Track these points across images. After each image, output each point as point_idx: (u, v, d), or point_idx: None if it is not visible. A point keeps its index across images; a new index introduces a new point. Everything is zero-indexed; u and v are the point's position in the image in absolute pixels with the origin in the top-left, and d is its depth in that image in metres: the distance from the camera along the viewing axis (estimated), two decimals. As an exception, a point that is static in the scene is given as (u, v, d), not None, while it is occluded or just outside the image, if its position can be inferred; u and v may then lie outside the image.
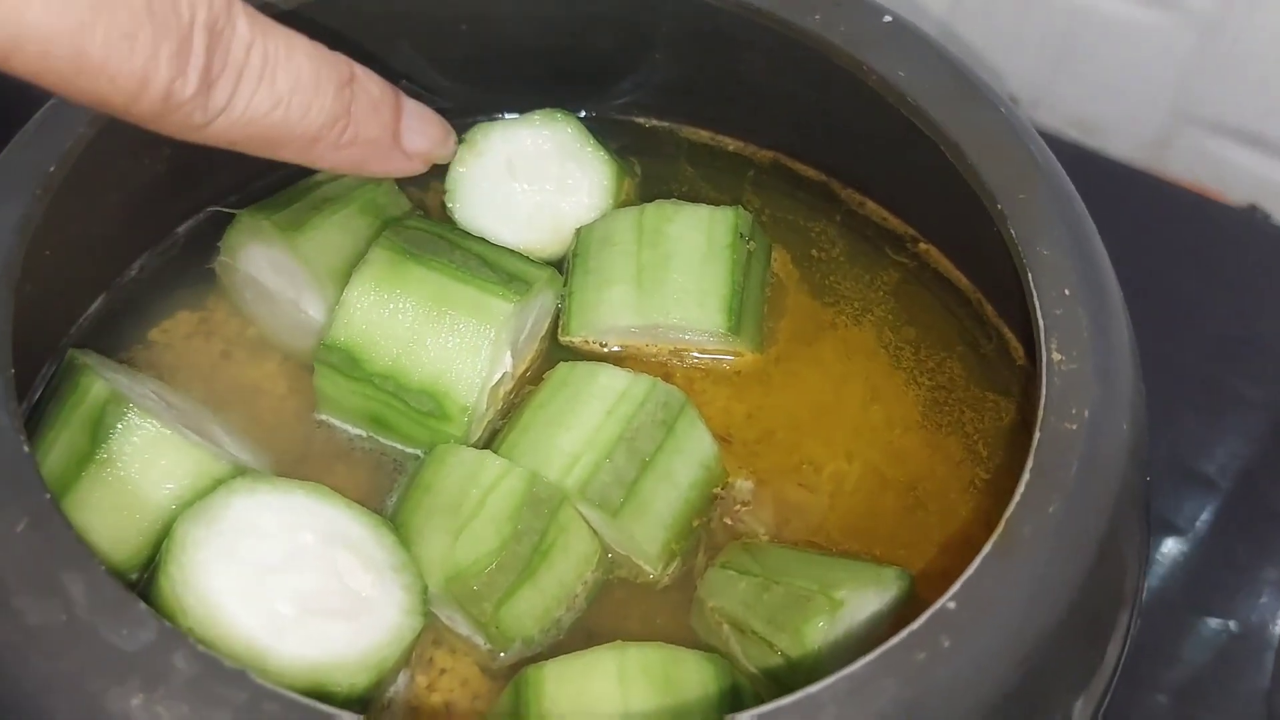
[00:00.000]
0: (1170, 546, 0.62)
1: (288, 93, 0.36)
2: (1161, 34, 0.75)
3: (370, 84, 0.40)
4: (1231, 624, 0.59)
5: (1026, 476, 0.36)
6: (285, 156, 0.38)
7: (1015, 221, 0.42)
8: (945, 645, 0.33)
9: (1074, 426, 0.37)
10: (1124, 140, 0.81)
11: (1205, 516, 0.64)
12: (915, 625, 0.34)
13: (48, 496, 0.35)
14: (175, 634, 0.33)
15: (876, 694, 0.32)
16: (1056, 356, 0.39)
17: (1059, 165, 0.45)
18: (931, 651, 0.33)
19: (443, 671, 0.45)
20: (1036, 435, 0.37)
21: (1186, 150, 0.80)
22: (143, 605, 0.33)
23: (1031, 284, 0.40)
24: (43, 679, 0.33)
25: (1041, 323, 0.40)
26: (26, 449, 0.36)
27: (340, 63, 0.38)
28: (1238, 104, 0.77)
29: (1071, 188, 0.44)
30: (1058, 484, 0.36)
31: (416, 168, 0.43)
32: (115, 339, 0.52)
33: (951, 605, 0.34)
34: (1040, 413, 0.38)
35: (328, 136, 0.37)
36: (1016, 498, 0.36)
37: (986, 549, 0.35)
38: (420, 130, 0.42)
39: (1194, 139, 0.79)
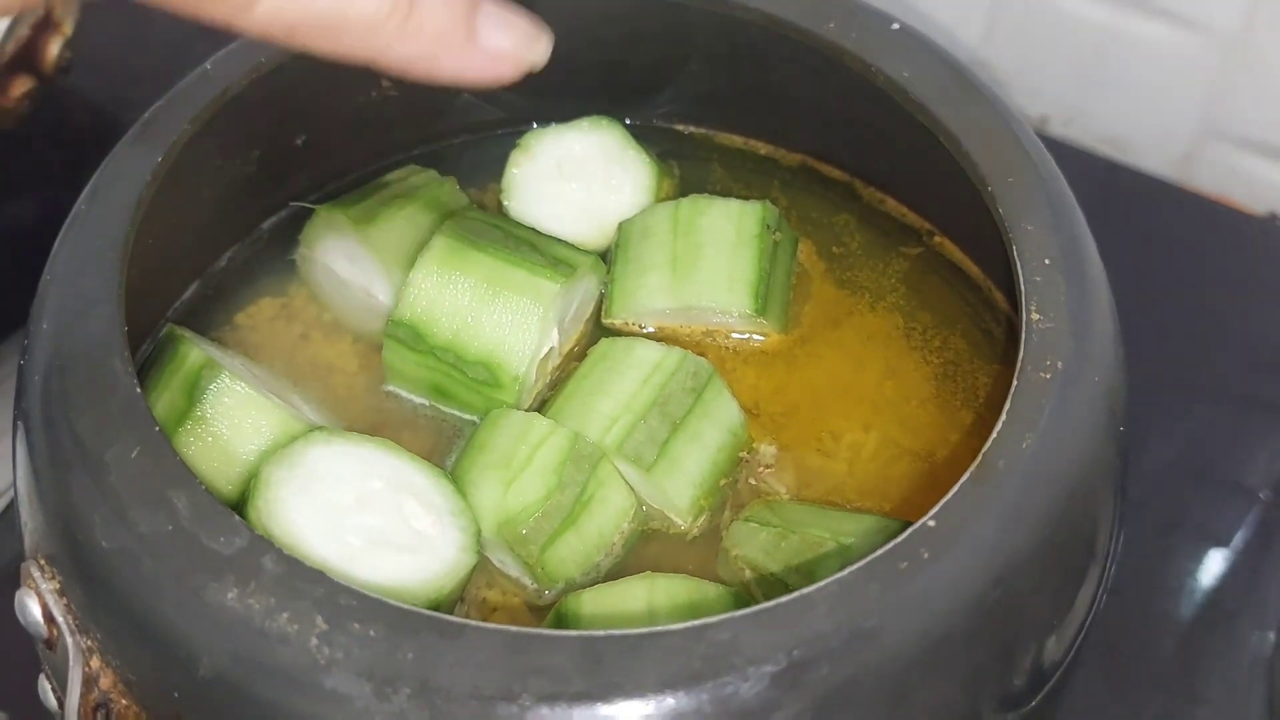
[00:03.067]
0: (1212, 557, 0.64)
1: None
2: (1188, 53, 0.78)
3: None
4: (1272, 635, 0.61)
5: (1003, 417, 0.41)
6: (348, 50, 0.35)
7: (1003, 201, 0.47)
8: (924, 556, 0.38)
9: (1047, 376, 0.42)
10: (1153, 155, 0.84)
11: (1245, 526, 0.66)
12: (899, 539, 0.38)
13: (157, 429, 0.41)
14: (264, 540, 0.39)
15: (863, 595, 0.37)
16: (1035, 316, 0.43)
17: (1046, 152, 0.50)
18: (912, 561, 0.38)
19: (494, 609, 0.50)
20: (1014, 383, 0.42)
21: (1212, 164, 0.83)
22: (237, 518, 0.39)
23: (1015, 255, 0.45)
24: (153, 578, 0.38)
25: (1024, 288, 0.44)
26: (138, 390, 0.42)
27: None
28: (1261, 119, 0.81)
29: (1056, 171, 0.49)
30: (1031, 424, 0.41)
31: (504, 70, 0.38)
32: (206, 321, 0.58)
33: (931, 523, 0.39)
34: (1019, 364, 0.42)
35: (388, 25, 0.34)
36: (994, 434, 0.41)
37: (964, 477, 0.40)
38: (503, 25, 0.37)
39: (1220, 153, 0.82)
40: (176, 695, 0.38)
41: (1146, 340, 0.67)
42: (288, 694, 0.37)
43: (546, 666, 0.36)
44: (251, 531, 0.39)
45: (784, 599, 0.37)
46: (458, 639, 0.37)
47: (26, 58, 0.72)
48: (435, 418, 0.55)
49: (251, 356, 0.57)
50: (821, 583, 0.37)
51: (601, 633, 0.37)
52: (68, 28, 0.72)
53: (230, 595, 0.38)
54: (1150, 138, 0.83)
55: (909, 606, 0.37)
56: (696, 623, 0.37)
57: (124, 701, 0.40)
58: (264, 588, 0.38)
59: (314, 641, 0.36)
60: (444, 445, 0.54)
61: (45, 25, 0.71)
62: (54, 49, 0.73)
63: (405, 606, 0.37)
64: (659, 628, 0.37)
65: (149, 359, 0.53)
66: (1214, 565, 0.63)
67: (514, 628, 0.37)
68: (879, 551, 0.38)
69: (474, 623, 0.37)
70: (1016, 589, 0.40)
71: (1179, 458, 0.69)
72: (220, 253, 0.60)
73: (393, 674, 0.36)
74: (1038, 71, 0.83)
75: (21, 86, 0.72)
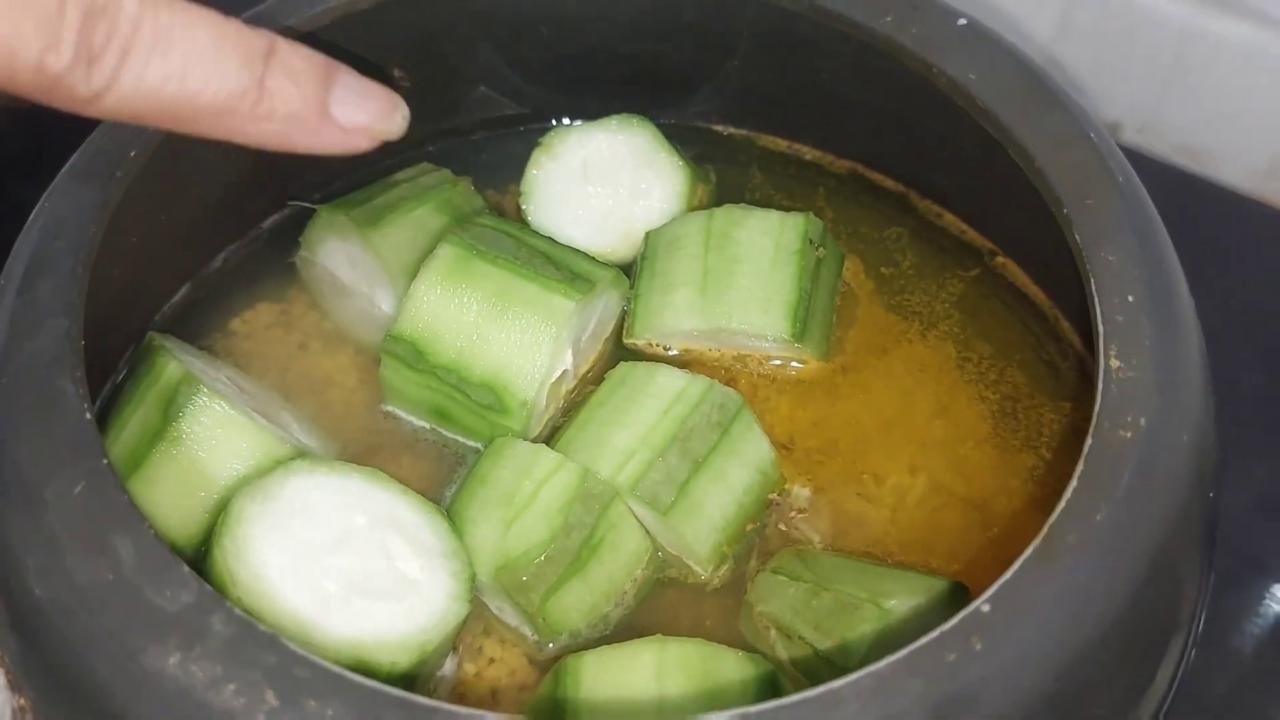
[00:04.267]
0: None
1: (182, 66, 0.35)
2: (1275, 55, 0.72)
3: (293, 57, 0.38)
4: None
5: (1074, 483, 0.35)
6: (202, 131, 0.37)
7: (1080, 226, 0.41)
8: (977, 648, 0.33)
9: (1128, 435, 0.36)
10: (1233, 167, 0.78)
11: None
12: (946, 625, 0.33)
13: (105, 461, 0.36)
14: (214, 597, 0.34)
15: (901, 693, 0.32)
16: (1115, 363, 0.38)
17: (1132, 171, 0.44)
18: (962, 653, 0.32)
19: (491, 661, 0.45)
20: (1088, 442, 0.36)
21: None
22: (186, 569, 0.34)
23: (1093, 289, 0.39)
24: (86, 635, 0.34)
25: (1101, 328, 0.39)
26: (89, 416, 0.37)
27: (255, 36, 0.37)
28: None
29: (1145, 195, 0.43)
30: (1107, 492, 0.35)
31: (358, 143, 0.40)
32: (198, 326, 0.54)
33: (986, 608, 0.33)
34: (1094, 419, 0.37)
35: (240, 110, 0.36)
36: (1062, 503, 0.35)
37: (1027, 553, 0.34)
38: (358, 104, 0.39)
39: (1311, 165, 0.76)
40: (109, 771, 0.34)
41: (1223, 370, 0.62)
42: (228, 782, 0.32)
43: (528, 765, 0.31)
44: (201, 585, 0.34)
45: (808, 694, 0.32)
46: (428, 724, 0.32)
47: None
48: (436, 443, 0.50)
49: (243, 367, 0.52)
50: (852, 677, 0.32)
51: (592, 727, 0.32)
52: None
53: (172, 660, 0.33)
54: (1231, 148, 0.78)
55: (955, 707, 0.32)
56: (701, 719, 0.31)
57: (55, 772, 0.35)
58: (210, 653, 0.33)
59: (261, 720, 0.32)
60: (444, 474, 0.50)
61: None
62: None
63: (369, 684, 0.32)
64: (660, 724, 0.32)
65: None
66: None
67: (492, 715, 0.32)
68: (923, 640, 0.33)
69: (447, 707, 0.32)
70: (1083, 682, 0.34)
71: (1261, 498, 0.63)
72: (215, 253, 0.56)
73: (350, 764, 0.31)
74: (1111, 74, 0.78)
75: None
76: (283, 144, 0.39)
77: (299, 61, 0.38)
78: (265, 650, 0.33)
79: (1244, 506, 0.62)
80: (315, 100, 0.38)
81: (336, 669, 0.33)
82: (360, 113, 0.40)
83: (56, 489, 0.36)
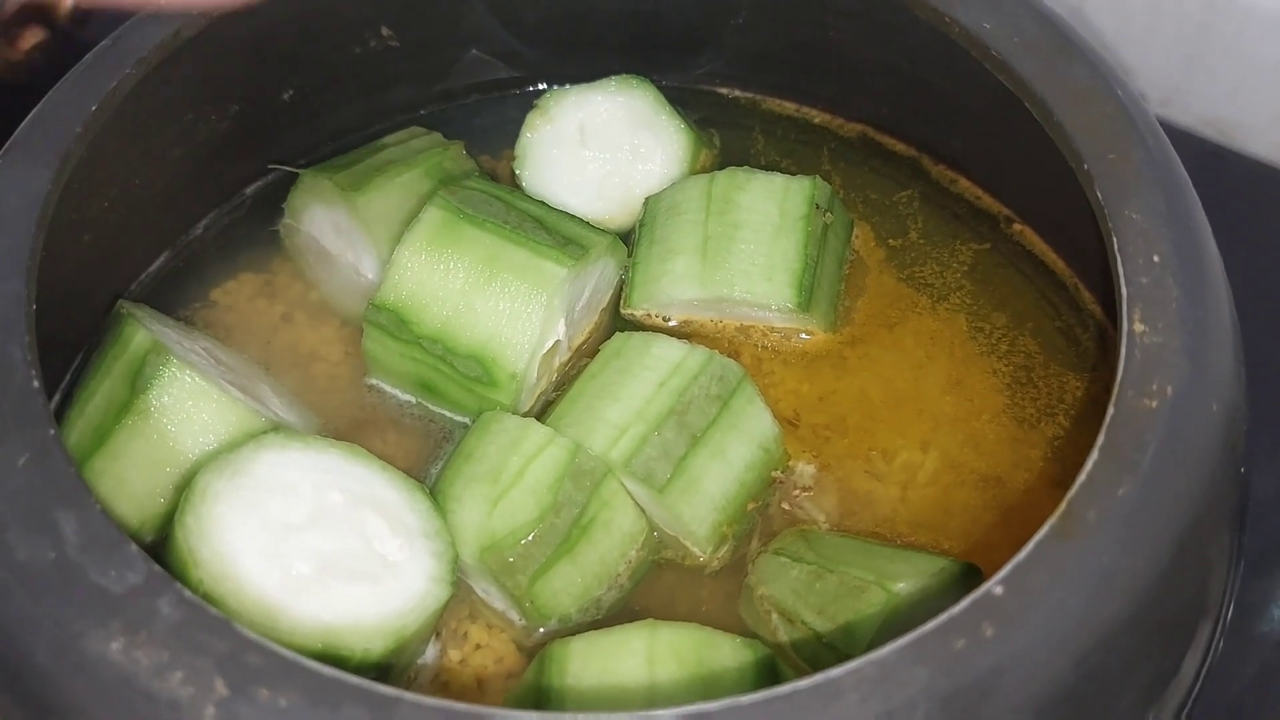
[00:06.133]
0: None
1: None
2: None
3: None
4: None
5: (1095, 455, 0.33)
6: None
7: (1102, 183, 0.38)
8: (988, 634, 0.30)
9: (1154, 404, 0.33)
10: (1262, 138, 0.76)
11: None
12: (955, 609, 0.30)
13: (51, 432, 0.34)
14: (164, 578, 0.32)
15: (906, 683, 0.29)
16: (1139, 328, 0.35)
17: (1158, 127, 0.41)
18: (972, 639, 0.30)
19: (477, 647, 0.43)
20: (1110, 411, 0.33)
21: (1333, 149, 0.75)
22: (134, 548, 0.32)
23: (1116, 249, 0.37)
24: (25, 617, 0.31)
25: (1125, 290, 0.36)
26: (37, 384, 0.35)
27: None
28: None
29: (1172, 152, 0.41)
30: (1130, 465, 0.32)
31: None
32: (177, 296, 0.52)
33: (999, 590, 0.31)
34: (1116, 387, 0.34)
35: None
36: (1082, 477, 0.32)
37: (1043, 531, 0.31)
38: None
39: (1342, 137, 0.74)
40: (50, 763, 0.31)
41: (1253, 348, 0.59)
42: (174, 777, 0.29)
43: (496, 756, 0.28)
44: (150, 566, 0.32)
45: (804, 682, 0.29)
46: (389, 714, 0.29)
47: (38, 8, 0.66)
48: (423, 418, 0.48)
49: (224, 339, 0.50)
50: (853, 664, 0.29)
51: (568, 717, 0.29)
52: (83, -23, 0.66)
53: (114, 645, 0.30)
54: (1259, 119, 0.75)
55: (964, 699, 0.29)
56: (692, 709, 0.29)
57: (-4, 764, 0.33)
58: (156, 638, 0.30)
59: (210, 711, 0.29)
60: (430, 450, 0.47)
61: (59, -26, 0.65)
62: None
63: (327, 672, 0.30)
64: (642, 714, 0.29)
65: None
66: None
67: (460, 705, 0.30)
68: (930, 626, 0.30)
69: (410, 696, 0.30)
70: (1104, 671, 0.31)
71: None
72: (196, 220, 0.54)
73: (304, 758, 0.29)
74: (1136, 45, 0.75)
75: (32, 38, 0.66)
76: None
77: None
78: (216, 636, 0.31)
79: (1271, 494, 0.59)
80: None
81: (292, 656, 0.30)
82: None
83: (-1, 460, 0.33)
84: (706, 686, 0.36)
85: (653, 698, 0.36)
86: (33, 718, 0.31)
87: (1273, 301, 0.67)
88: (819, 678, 0.29)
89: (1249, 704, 0.54)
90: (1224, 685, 0.54)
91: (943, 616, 0.30)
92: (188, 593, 0.31)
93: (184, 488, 0.42)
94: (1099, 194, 0.38)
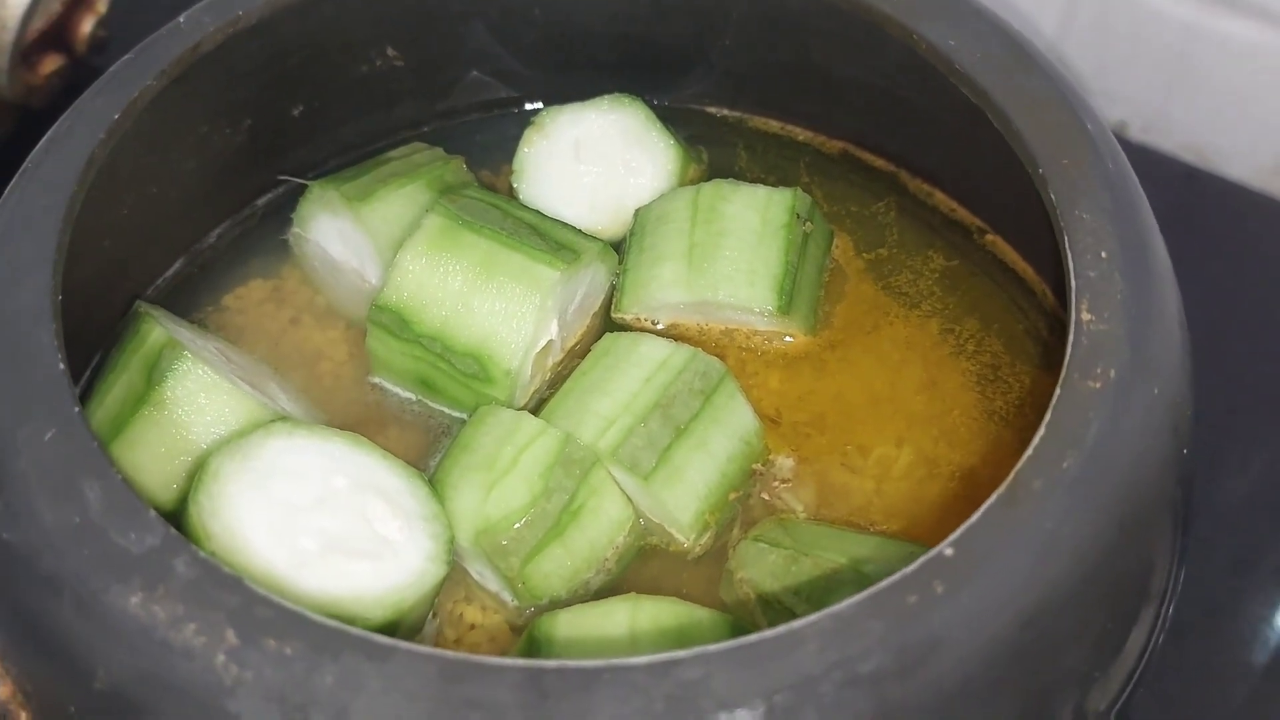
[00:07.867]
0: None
1: None
2: (1280, 53, 0.72)
3: None
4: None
5: (1042, 431, 0.35)
6: None
7: (1055, 185, 0.41)
8: (939, 591, 0.32)
9: (1097, 385, 0.36)
10: (1240, 163, 0.78)
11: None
12: (908, 569, 0.33)
13: (76, 410, 0.37)
14: (180, 541, 0.34)
15: (862, 634, 0.32)
16: (1086, 316, 0.37)
17: (1109, 132, 0.44)
18: (923, 596, 0.32)
19: (472, 627, 0.45)
20: (1057, 392, 0.36)
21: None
22: (153, 513, 0.35)
23: (1066, 245, 0.39)
24: (52, 574, 0.34)
25: (1074, 283, 0.38)
26: (63, 367, 0.38)
27: None
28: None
29: (1120, 153, 0.43)
30: (1075, 440, 0.35)
31: None
32: (191, 301, 0.54)
33: (949, 551, 0.33)
34: (1064, 370, 0.36)
35: None
36: (1029, 451, 0.35)
37: (991, 499, 0.34)
38: None
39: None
40: (72, 710, 0.34)
41: (1225, 361, 0.60)
42: (187, 717, 0.32)
43: (484, 700, 0.31)
44: (167, 529, 0.34)
45: (768, 633, 0.32)
46: (385, 662, 0.32)
47: (57, 35, 0.69)
48: (423, 414, 0.51)
49: (235, 341, 0.53)
50: (813, 616, 0.32)
51: (552, 663, 0.32)
52: (101, 5, 0.69)
53: (134, 600, 0.33)
54: (1238, 145, 0.77)
55: (916, 650, 0.32)
56: (663, 656, 0.31)
57: (22, 714, 0.35)
58: (172, 594, 0.33)
59: (221, 658, 0.32)
60: (430, 445, 0.50)
61: (78, 2, 0.68)
62: (87, 26, 0.70)
63: (329, 623, 0.32)
64: (618, 660, 0.32)
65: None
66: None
67: (450, 654, 0.32)
68: (885, 583, 0.32)
69: (405, 645, 0.32)
70: (1051, 633, 0.34)
71: (1256, 490, 0.62)
72: (209, 229, 0.56)
73: (306, 699, 0.31)
74: (1117, 72, 0.78)
75: (51, 64, 0.69)
76: None
77: None
78: (228, 591, 0.33)
79: (1236, 500, 0.61)
80: None
81: (297, 609, 0.33)
82: None
83: (28, 433, 0.36)
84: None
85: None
86: (59, 667, 0.34)
87: (1248, 318, 0.69)
88: (781, 629, 0.32)
89: (1226, 700, 0.56)
90: (1202, 683, 0.55)
91: (896, 575, 0.33)
92: (202, 553, 0.34)
93: (196, 473, 0.45)
94: (1052, 195, 0.41)
